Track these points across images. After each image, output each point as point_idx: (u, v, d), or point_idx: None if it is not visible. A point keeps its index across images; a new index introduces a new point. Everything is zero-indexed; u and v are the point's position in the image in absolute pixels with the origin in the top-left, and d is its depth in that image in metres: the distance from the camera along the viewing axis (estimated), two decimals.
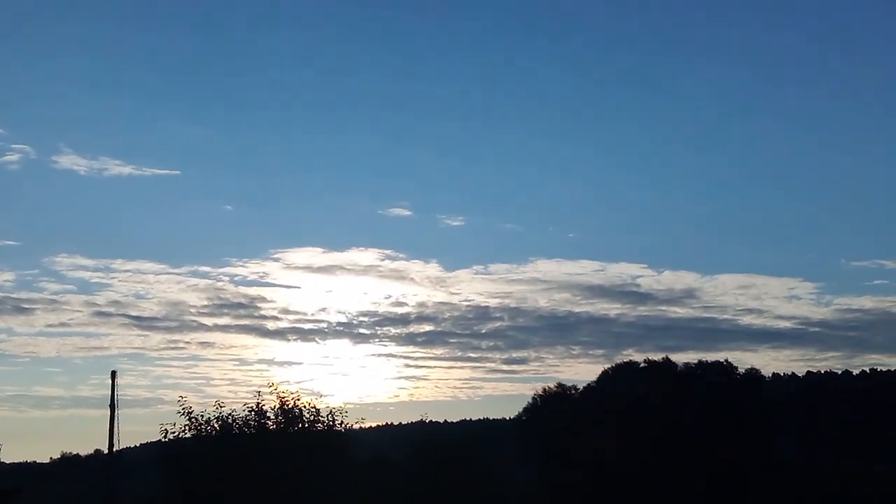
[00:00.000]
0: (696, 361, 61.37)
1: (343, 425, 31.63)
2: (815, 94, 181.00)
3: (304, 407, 31.39)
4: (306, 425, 31.26)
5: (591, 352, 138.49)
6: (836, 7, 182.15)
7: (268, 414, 31.06)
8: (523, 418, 63.58)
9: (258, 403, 31.04)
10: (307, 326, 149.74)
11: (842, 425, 74.13)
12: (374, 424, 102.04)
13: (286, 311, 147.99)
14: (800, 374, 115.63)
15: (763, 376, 61.40)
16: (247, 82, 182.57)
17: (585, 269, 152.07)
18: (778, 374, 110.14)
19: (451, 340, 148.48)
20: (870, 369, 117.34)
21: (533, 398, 63.38)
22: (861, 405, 78.61)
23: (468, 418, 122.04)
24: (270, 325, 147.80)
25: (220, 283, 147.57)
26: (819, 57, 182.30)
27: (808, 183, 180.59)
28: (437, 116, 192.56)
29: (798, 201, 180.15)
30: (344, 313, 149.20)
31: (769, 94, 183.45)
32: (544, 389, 63.16)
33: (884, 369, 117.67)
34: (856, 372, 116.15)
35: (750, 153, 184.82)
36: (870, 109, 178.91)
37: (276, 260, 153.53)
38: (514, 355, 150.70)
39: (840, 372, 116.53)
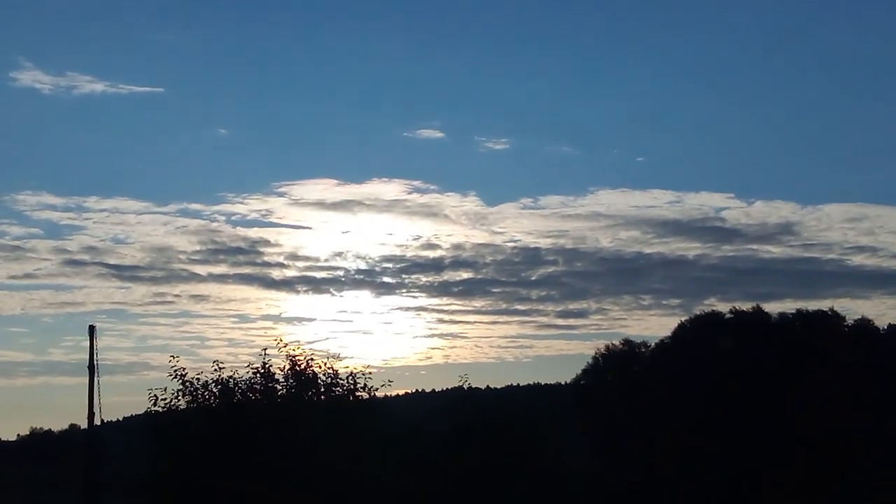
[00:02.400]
0: (794, 311, 61.41)
1: (367, 390, 32.13)
2: None
3: (320, 369, 31.90)
4: (322, 391, 31.80)
5: (664, 302, 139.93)
6: None
7: (276, 377, 31.64)
8: (582, 382, 64.22)
9: (264, 364, 31.61)
10: (320, 275, 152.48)
11: None
12: (402, 392, 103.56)
13: (294, 257, 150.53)
14: None
15: (877, 329, 61.28)
16: None
17: (658, 201, 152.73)
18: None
19: (495, 290, 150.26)
20: None
21: (594, 358, 63.97)
22: None
23: (516, 383, 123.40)
24: (276, 273, 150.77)
25: (214, 224, 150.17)
26: None
27: None
28: (473, 21, 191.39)
29: None
30: (364, 259, 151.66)
31: None
32: (608, 347, 63.69)
33: None
34: None
35: (856, 54, 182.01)
36: None
37: (282, 195, 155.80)
38: (570, 307, 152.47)
39: None
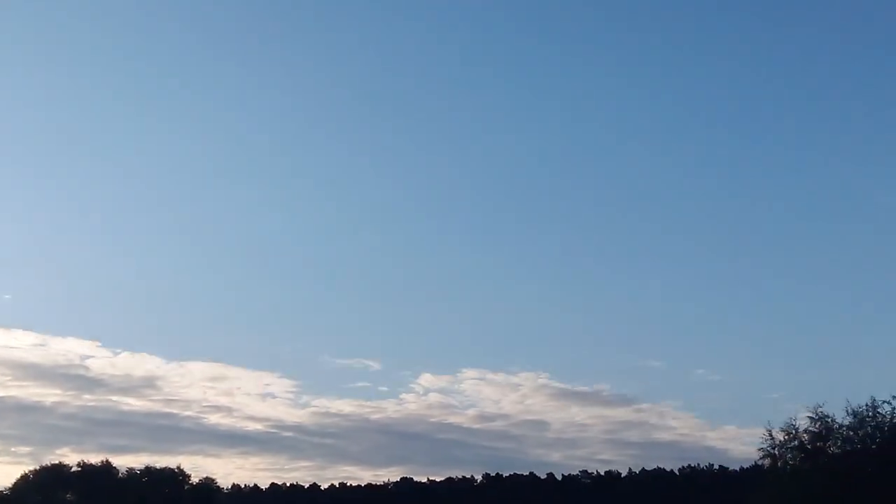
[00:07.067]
0: (143, 467, 61.78)
1: None
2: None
3: None
4: None
5: (14, 449, 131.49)
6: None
7: None
8: None
9: None
10: None
11: None
12: None
13: None
14: (263, 486, 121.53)
15: (220, 488, 63.75)
16: None
17: (21, 342, 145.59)
18: (239, 485, 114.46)
19: None
20: (339, 483, 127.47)
21: None
22: None
23: None
24: None
25: None
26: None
27: (285, 265, 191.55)
28: None
29: (284, 285, 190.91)
30: None
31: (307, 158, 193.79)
32: None
33: (354, 483, 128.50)
34: (325, 486, 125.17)
35: (246, 226, 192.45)
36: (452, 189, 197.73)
37: None
38: None
39: (307, 486, 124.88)
